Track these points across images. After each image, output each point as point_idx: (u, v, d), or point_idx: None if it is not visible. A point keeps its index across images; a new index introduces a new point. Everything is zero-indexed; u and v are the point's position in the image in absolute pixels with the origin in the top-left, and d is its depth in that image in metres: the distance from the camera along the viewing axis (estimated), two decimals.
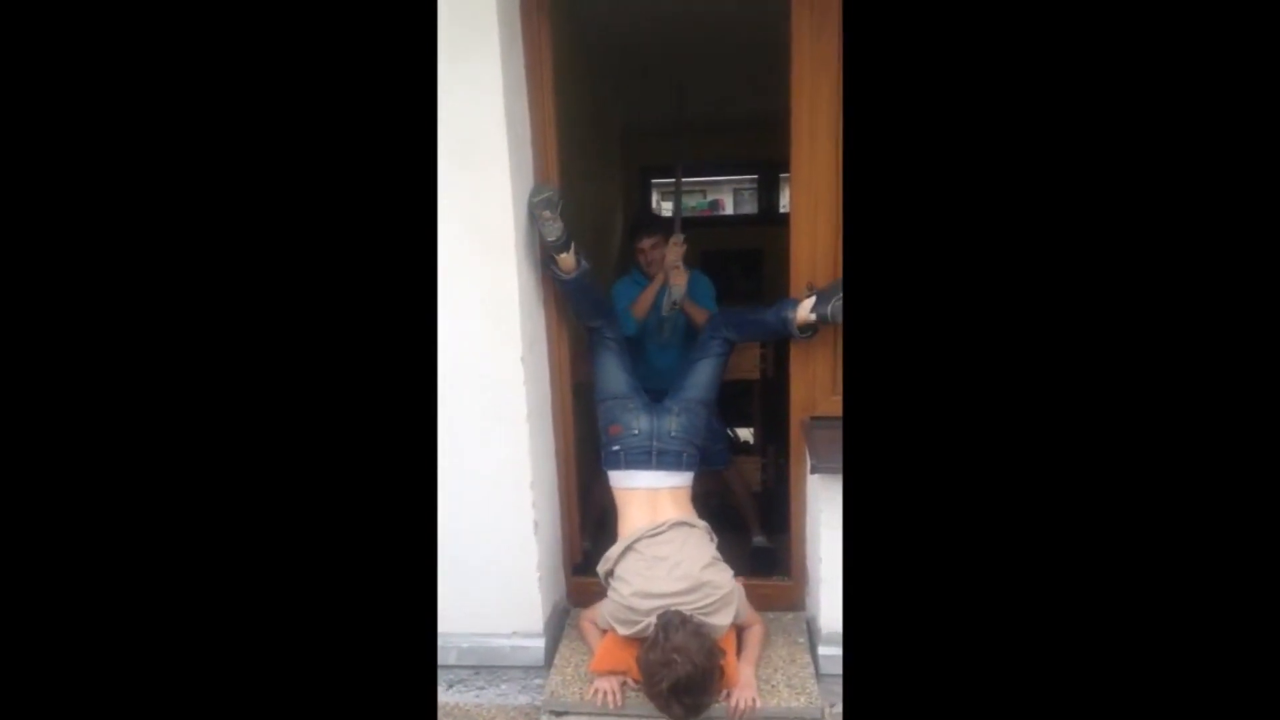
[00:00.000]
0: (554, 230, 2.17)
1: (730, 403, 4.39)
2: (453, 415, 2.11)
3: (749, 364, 3.60)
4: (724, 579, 2.05)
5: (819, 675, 2.14)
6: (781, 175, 5.82)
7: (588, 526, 2.99)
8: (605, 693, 2.02)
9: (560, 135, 2.31)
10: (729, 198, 8.98)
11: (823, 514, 2.18)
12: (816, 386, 2.27)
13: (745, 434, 4.54)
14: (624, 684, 2.04)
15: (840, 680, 2.15)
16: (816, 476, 2.20)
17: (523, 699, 2.21)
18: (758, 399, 3.84)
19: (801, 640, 2.29)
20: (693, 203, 9.23)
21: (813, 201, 2.16)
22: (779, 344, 3.84)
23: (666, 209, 8.35)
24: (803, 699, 2.03)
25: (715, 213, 8.21)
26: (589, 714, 2.06)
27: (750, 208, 6.75)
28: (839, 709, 2.08)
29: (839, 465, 2.03)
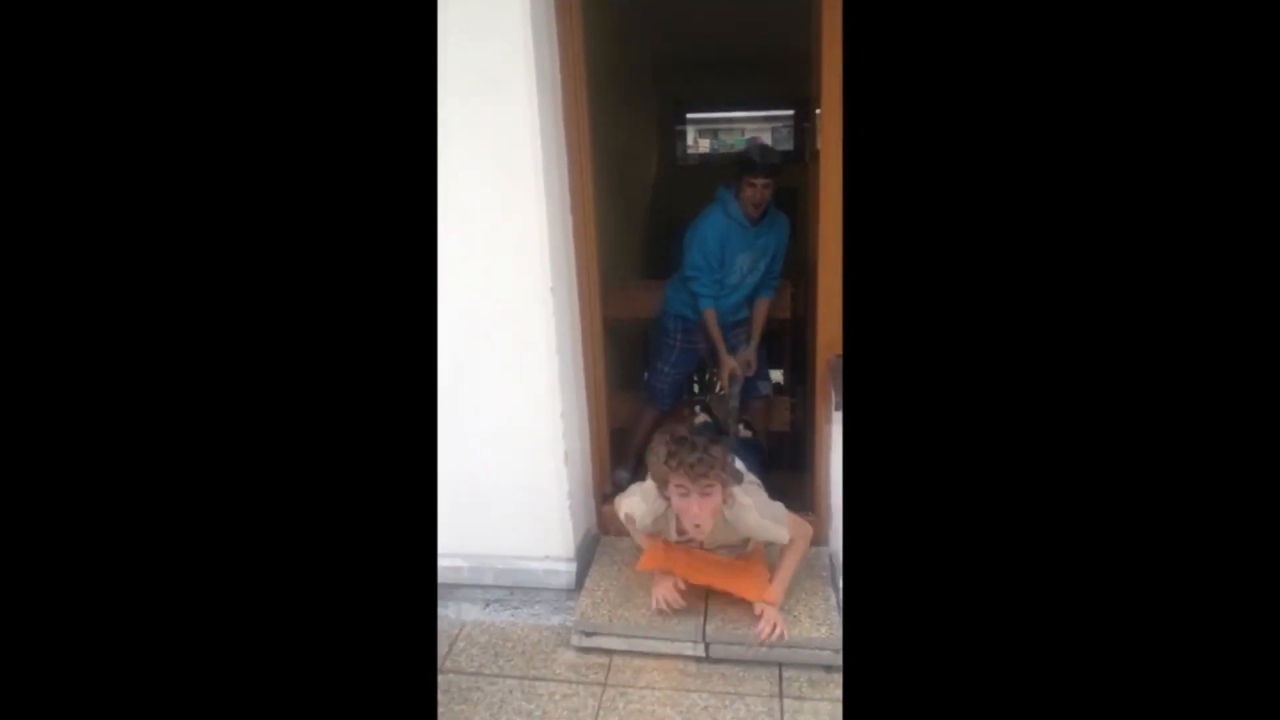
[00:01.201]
0: None
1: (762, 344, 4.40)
2: (482, 347, 2.16)
3: (780, 303, 3.59)
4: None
5: (841, 608, 2.20)
6: (818, 111, 5.69)
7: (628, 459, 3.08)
8: (665, 600, 2.11)
9: (588, 67, 2.29)
10: (768, 135, 8.79)
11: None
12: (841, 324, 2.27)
13: (775, 375, 4.56)
14: (677, 586, 2.14)
15: None
16: (840, 413, 2.22)
17: (555, 619, 2.30)
18: (789, 338, 3.84)
19: (824, 574, 2.34)
20: (731, 140, 9.06)
21: (840, 137, 2.13)
22: (810, 282, 3.83)
23: (703, 145, 8.24)
24: (824, 630, 2.09)
25: None
26: (618, 634, 2.15)
27: (786, 144, 6.62)
28: None
29: None
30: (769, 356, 3.74)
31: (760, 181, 2.85)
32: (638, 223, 4.64)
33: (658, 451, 1.99)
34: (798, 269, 4.90)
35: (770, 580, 2.16)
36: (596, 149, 3.26)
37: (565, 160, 2.27)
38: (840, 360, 2.27)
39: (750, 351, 3.20)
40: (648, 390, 3.24)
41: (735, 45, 4.91)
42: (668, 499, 2.05)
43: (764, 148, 2.96)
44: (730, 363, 3.09)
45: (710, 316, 3.00)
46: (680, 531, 2.14)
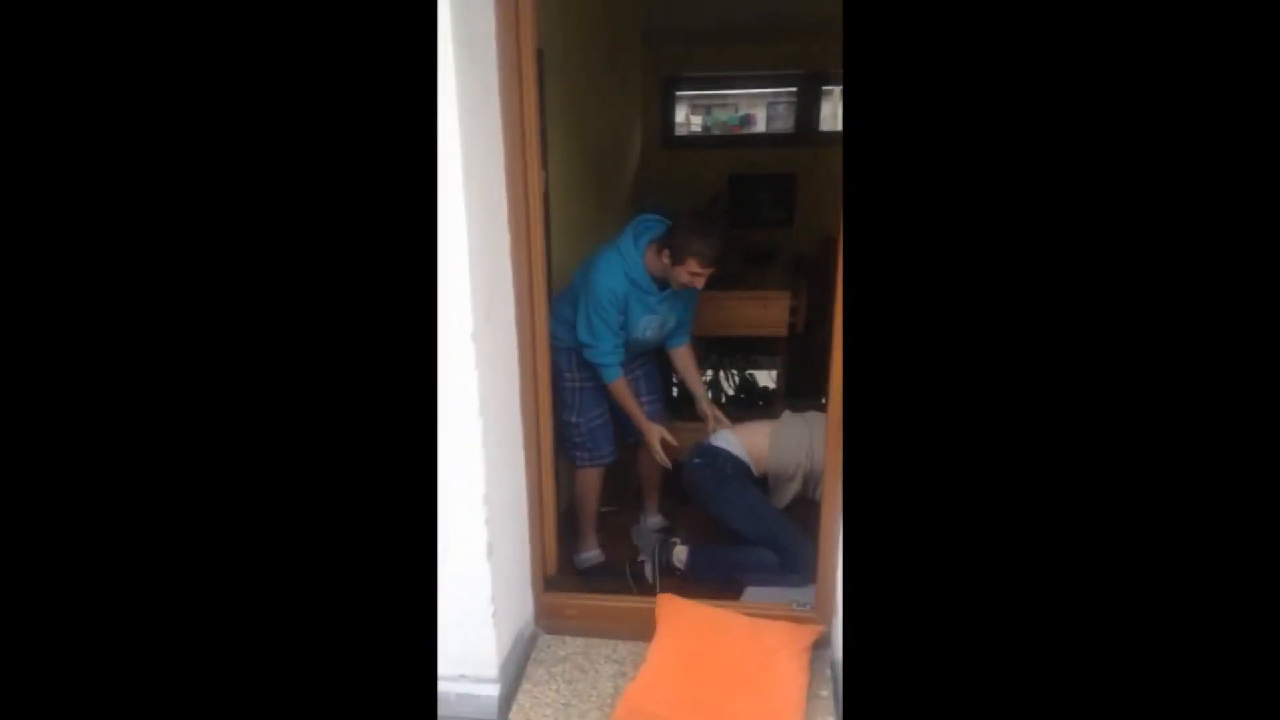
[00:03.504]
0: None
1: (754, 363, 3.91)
2: None
3: (774, 318, 3.06)
4: None
5: None
6: (823, 88, 5.12)
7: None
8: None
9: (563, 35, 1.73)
10: (761, 112, 8.18)
11: None
12: None
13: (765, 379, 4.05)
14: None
15: None
16: None
17: None
18: (783, 358, 3.30)
19: (825, 693, 1.82)
20: (724, 116, 8.45)
21: None
22: (812, 294, 3.30)
23: (696, 124, 7.65)
24: None
25: (745, 130, 7.44)
26: None
27: (784, 124, 6.02)
28: None
29: None
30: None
31: (706, 274, 2.22)
32: (620, 209, 4.07)
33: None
34: (797, 271, 4.37)
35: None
36: (562, 133, 2.71)
37: (502, 158, 1.71)
38: None
39: (705, 404, 2.63)
40: (570, 454, 2.53)
41: (731, 15, 4.31)
42: None
43: (725, 242, 2.25)
44: (657, 431, 2.47)
45: (620, 388, 2.38)
46: None
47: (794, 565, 2.17)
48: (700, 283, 2.23)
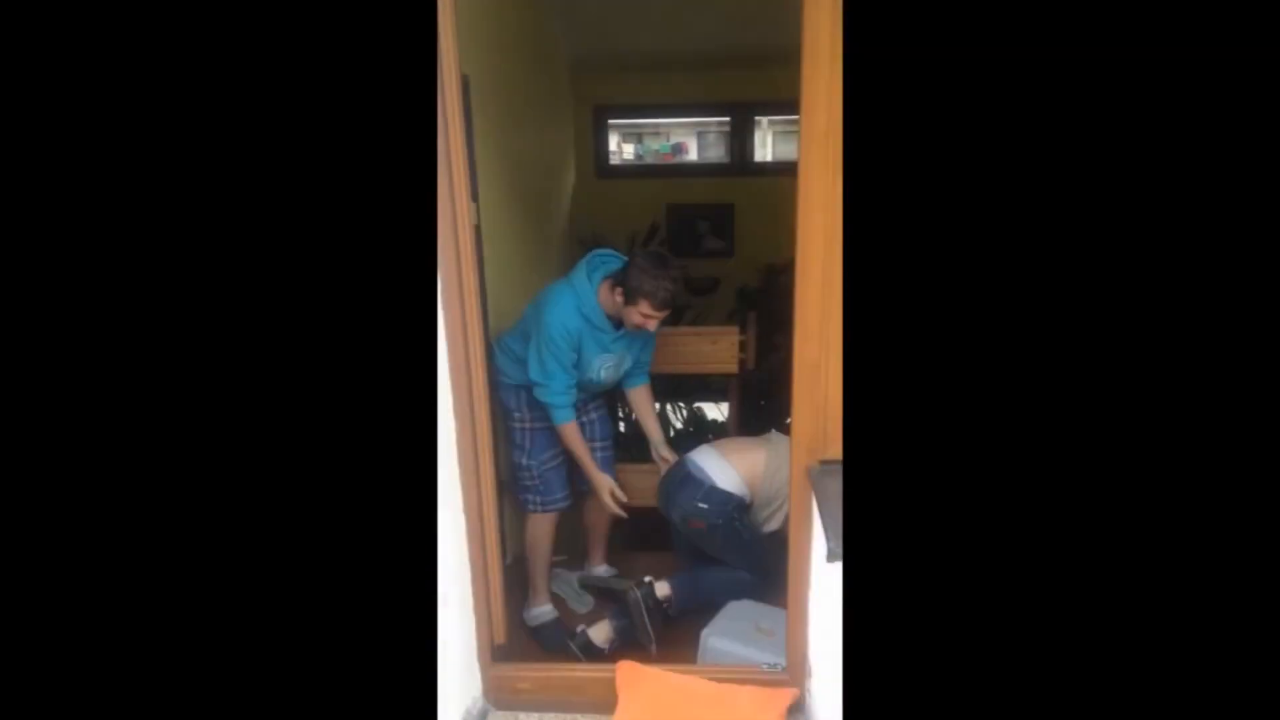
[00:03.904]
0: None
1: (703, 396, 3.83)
2: None
3: (725, 354, 2.95)
4: None
5: None
6: (756, 118, 5.10)
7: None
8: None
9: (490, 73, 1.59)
10: (692, 141, 8.21)
11: (836, 587, 1.56)
12: (828, 417, 1.62)
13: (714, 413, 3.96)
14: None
15: None
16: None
17: None
18: (735, 396, 3.18)
19: None
20: (656, 145, 8.46)
21: (828, 148, 1.49)
22: (761, 329, 3.22)
23: (628, 152, 7.62)
24: None
25: (678, 158, 7.44)
26: None
27: (715, 152, 5.98)
28: None
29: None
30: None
31: (659, 317, 2.13)
32: (555, 241, 3.94)
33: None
34: (742, 302, 4.29)
35: None
36: (494, 164, 2.59)
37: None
38: (824, 468, 1.62)
39: (661, 447, 2.52)
40: (521, 498, 2.41)
41: (663, 45, 4.25)
42: None
43: (680, 287, 2.21)
44: (607, 483, 2.34)
45: (571, 431, 2.26)
46: None
47: (775, 586, 2.05)
48: (652, 325, 2.13)
